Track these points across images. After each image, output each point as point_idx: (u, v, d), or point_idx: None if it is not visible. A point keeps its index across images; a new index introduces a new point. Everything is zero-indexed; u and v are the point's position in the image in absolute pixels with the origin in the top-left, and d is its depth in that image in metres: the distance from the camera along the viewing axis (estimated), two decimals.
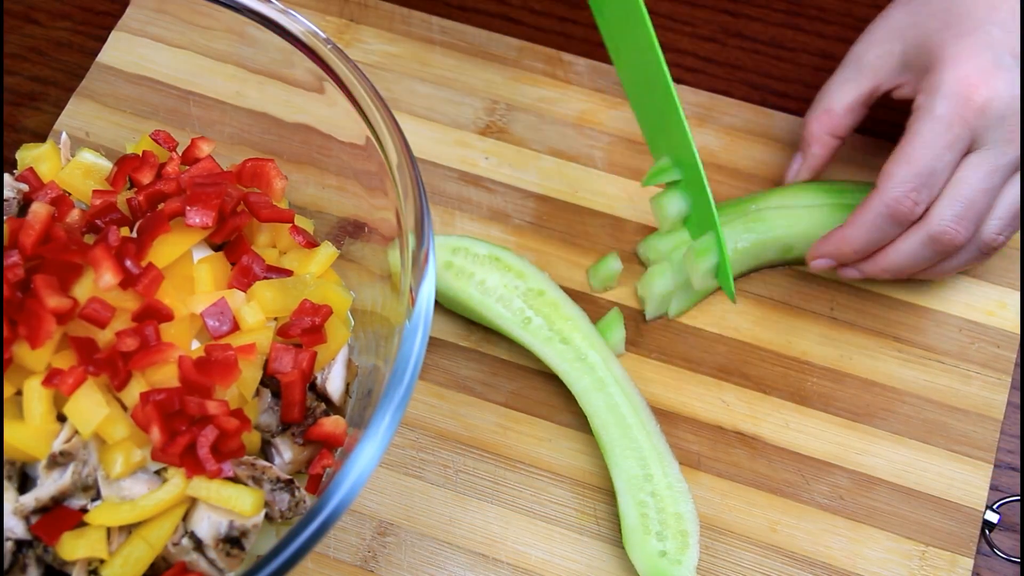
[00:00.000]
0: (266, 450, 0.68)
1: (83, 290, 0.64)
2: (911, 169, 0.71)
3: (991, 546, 0.75)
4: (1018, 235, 0.84)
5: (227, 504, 0.63)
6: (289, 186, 0.75)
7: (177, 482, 0.63)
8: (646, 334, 0.81)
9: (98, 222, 0.69)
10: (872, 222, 0.73)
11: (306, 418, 0.68)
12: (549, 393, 0.79)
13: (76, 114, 0.86)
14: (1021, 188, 0.73)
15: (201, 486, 0.63)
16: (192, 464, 0.63)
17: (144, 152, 0.75)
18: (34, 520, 0.63)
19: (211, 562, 0.63)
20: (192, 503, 0.64)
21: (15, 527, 0.63)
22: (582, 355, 0.77)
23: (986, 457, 0.77)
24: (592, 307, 0.81)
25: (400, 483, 0.76)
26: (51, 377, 0.62)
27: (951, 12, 0.73)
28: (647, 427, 0.75)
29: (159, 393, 0.62)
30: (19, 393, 0.63)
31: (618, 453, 0.74)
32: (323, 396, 0.70)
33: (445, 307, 0.81)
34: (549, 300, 0.78)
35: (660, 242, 0.81)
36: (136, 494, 0.63)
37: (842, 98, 0.78)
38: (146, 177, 0.73)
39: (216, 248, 0.71)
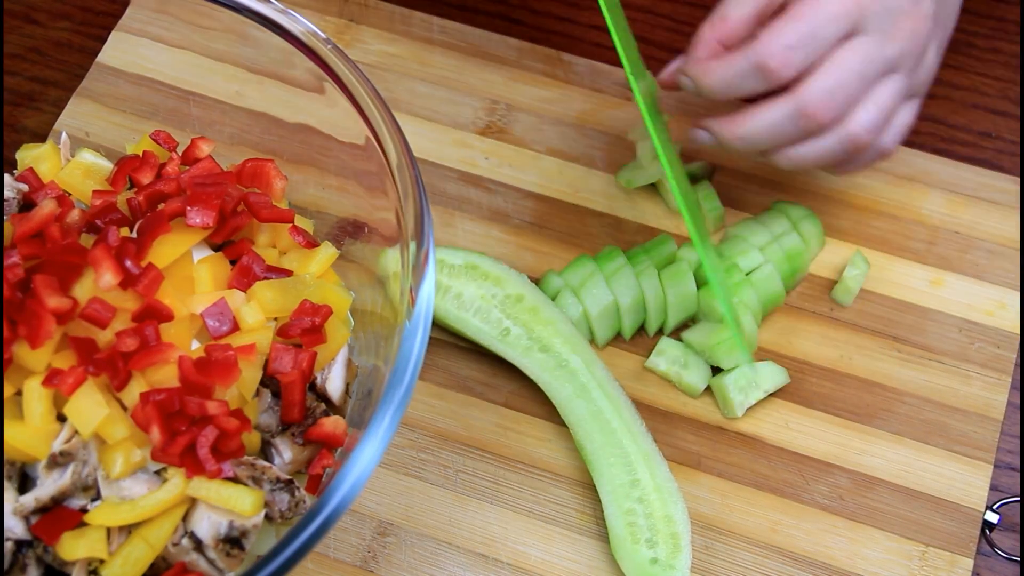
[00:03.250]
0: (266, 450, 0.68)
1: (83, 290, 0.64)
2: (795, 26, 0.68)
3: (991, 546, 0.75)
4: (1017, 235, 0.84)
5: (227, 504, 0.63)
6: (289, 186, 0.75)
7: (177, 482, 0.63)
8: (645, 334, 0.81)
9: (98, 222, 0.69)
10: (740, 70, 0.70)
11: (306, 418, 0.68)
12: None
13: (76, 114, 0.86)
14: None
15: (201, 486, 0.63)
16: (192, 464, 0.63)
17: (144, 152, 0.75)
18: (34, 520, 0.63)
19: (211, 562, 0.63)
20: (192, 503, 0.64)
21: (15, 527, 0.63)
22: (563, 361, 0.76)
23: (986, 457, 0.77)
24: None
25: (400, 483, 0.76)
26: (51, 377, 0.62)
27: None
28: (632, 429, 0.75)
29: (159, 393, 0.62)
30: (19, 393, 0.63)
31: (603, 462, 0.74)
32: (323, 396, 0.70)
33: None
34: (528, 305, 0.78)
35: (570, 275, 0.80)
36: (136, 494, 0.63)
37: (740, 9, 0.72)
38: (146, 177, 0.73)
39: (216, 248, 0.71)
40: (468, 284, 0.78)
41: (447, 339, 0.81)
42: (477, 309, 0.77)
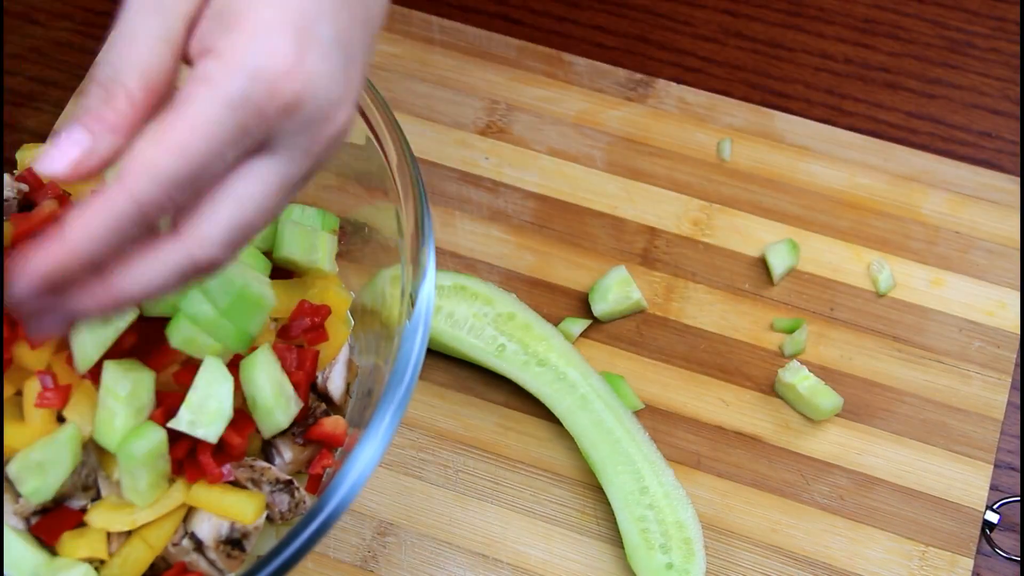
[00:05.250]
0: (266, 450, 0.68)
1: None
2: (184, 164, 0.48)
3: (991, 546, 0.75)
4: (1017, 235, 0.84)
5: (228, 513, 0.62)
6: None
7: (178, 487, 0.63)
8: (646, 334, 0.81)
9: None
10: (114, 224, 0.48)
11: (306, 418, 0.68)
12: None
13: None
14: None
15: (201, 494, 0.62)
16: (192, 468, 0.62)
17: None
18: (34, 520, 0.63)
19: (211, 563, 0.63)
20: None
21: (15, 527, 0.63)
22: (561, 375, 0.76)
23: (986, 457, 0.77)
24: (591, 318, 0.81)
25: (400, 483, 0.76)
26: (46, 392, 0.62)
27: None
28: (635, 438, 0.75)
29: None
30: (19, 393, 0.63)
31: (610, 470, 0.74)
32: (324, 396, 0.70)
33: None
34: (520, 323, 0.78)
35: None
36: None
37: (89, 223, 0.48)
38: None
39: None
40: (459, 304, 0.78)
41: None
42: (471, 327, 0.77)
